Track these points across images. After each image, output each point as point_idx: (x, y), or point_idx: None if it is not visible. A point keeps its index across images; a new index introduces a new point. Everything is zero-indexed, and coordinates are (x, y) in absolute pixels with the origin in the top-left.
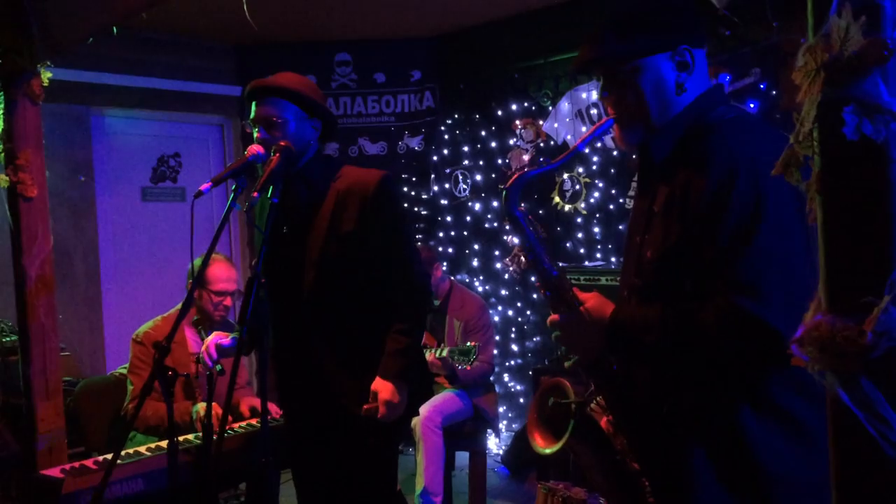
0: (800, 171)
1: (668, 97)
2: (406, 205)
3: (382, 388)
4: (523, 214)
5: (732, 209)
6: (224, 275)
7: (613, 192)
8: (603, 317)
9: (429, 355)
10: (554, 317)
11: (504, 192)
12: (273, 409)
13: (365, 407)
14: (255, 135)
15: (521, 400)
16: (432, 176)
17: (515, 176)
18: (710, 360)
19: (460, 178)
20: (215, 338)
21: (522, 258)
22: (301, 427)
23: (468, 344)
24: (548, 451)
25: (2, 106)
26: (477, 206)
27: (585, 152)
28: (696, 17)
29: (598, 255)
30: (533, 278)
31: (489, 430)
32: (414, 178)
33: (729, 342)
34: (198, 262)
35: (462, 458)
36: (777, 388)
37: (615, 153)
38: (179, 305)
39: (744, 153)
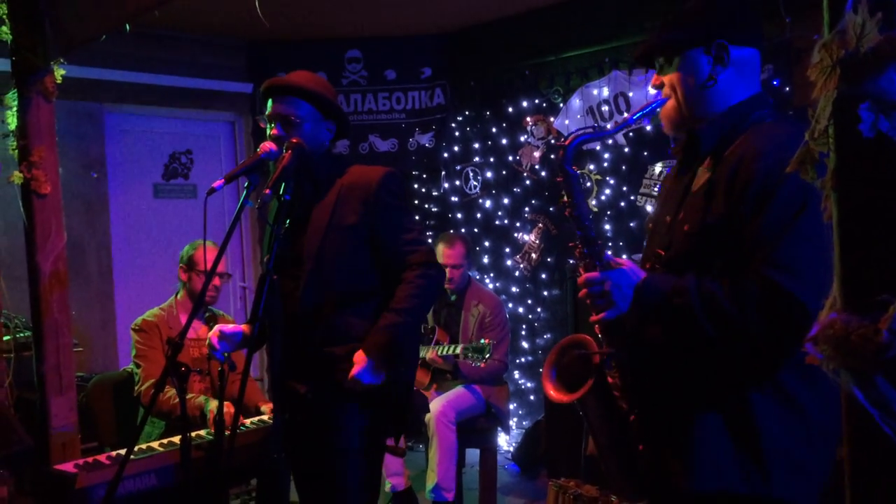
0: (815, 168)
1: (701, 89)
2: (415, 202)
3: (356, 355)
4: (575, 172)
5: (781, 196)
6: (210, 256)
7: (624, 189)
8: (637, 276)
9: (430, 353)
10: (590, 273)
11: (562, 150)
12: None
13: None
14: (270, 131)
15: (532, 397)
16: (443, 173)
17: (574, 137)
18: (734, 329)
19: (471, 174)
20: (218, 328)
21: (533, 255)
22: (293, 420)
23: (482, 341)
24: (564, 400)
25: (16, 103)
26: (488, 203)
27: (597, 149)
28: (740, 16)
29: (610, 253)
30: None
31: (499, 428)
32: (424, 175)
33: (760, 313)
34: (186, 249)
35: (472, 454)
36: (786, 366)
37: (626, 150)
38: (175, 295)
39: (794, 147)
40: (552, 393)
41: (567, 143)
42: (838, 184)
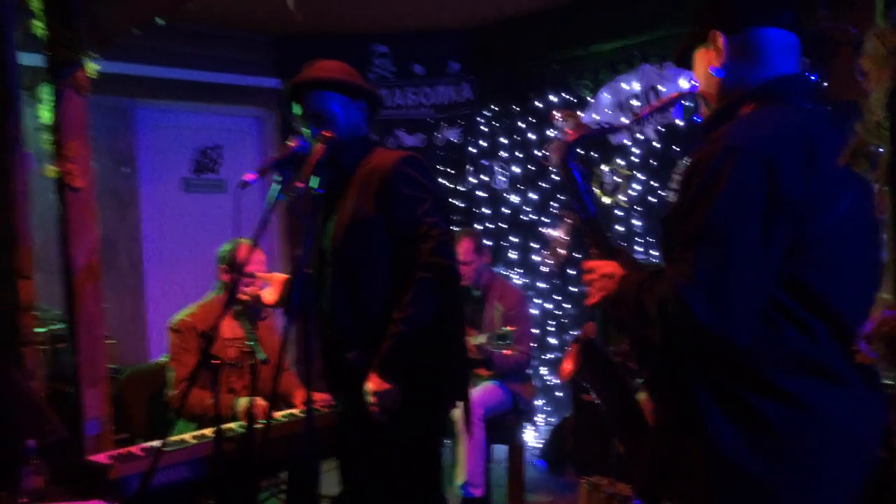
0: (868, 161)
1: (708, 87)
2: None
3: (368, 379)
4: (577, 167)
5: (697, 183)
6: (253, 258)
7: (654, 184)
8: (619, 269)
9: (468, 343)
10: (588, 261)
11: (565, 145)
12: (319, 398)
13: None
14: (305, 128)
15: (559, 394)
16: (469, 168)
17: (578, 131)
18: (646, 327)
19: (498, 169)
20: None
21: (561, 251)
22: (343, 413)
23: (505, 329)
24: (566, 375)
25: (50, 97)
26: (515, 198)
27: (626, 144)
28: (734, 1)
29: (639, 249)
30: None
31: (526, 423)
32: (451, 170)
33: (658, 314)
34: (226, 248)
35: (500, 451)
36: (726, 370)
37: (656, 144)
38: (212, 293)
39: (733, 138)
40: (563, 370)
41: (569, 140)
42: (893, 177)
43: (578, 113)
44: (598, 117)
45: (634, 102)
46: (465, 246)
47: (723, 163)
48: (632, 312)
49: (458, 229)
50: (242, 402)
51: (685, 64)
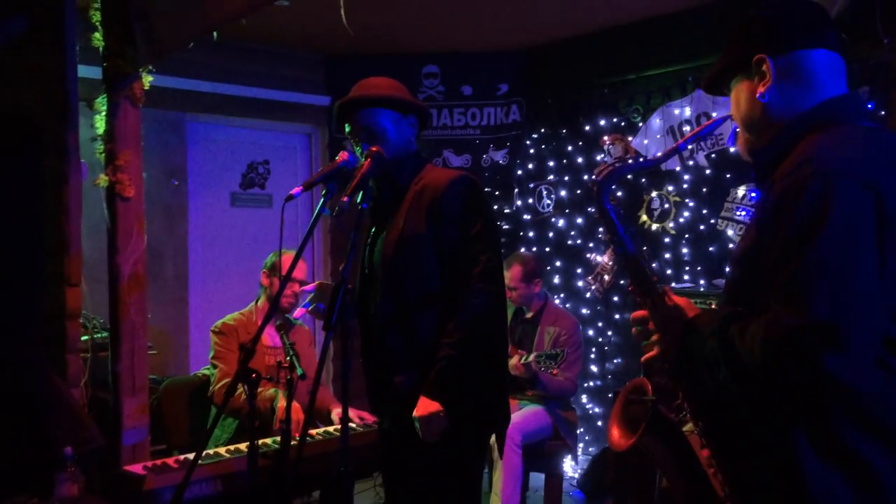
0: None
1: (750, 112)
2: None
3: (418, 404)
4: (614, 208)
5: (797, 211)
6: (301, 266)
7: (705, 211)
8: (683, 318)
9: (513, 360)
10: (641, 311)
11: (596, 185)
12: (355, 415)
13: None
14: (357, 146)
15: (600, 423)
16: (516, 190)
17: (609, 169)
18: (742, 375)
19: (544, 193)
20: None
21: (606, 277)
22: (387, 431)
23: (556, 350)
24: (623, 444)
25: (105, 107)
26: (561, 223)
27: (676, 170)
28: (778, 23)
29: (686, 277)
30: (622, 285)
31: (566, 452)
32: (497, 192)
33: (769, 362)
34: (271, 256)
35: (537, 479)
36: (842, 422)
37: (708, 171)
38: (253, 303)
39: (826, 161)
40: (616, 439)
41: (601, 177)
42: None
43: (629, 138)
44: (647, 142)
45: (686, 128)
46: (513, 272)
47: (821, 190)
48: (709, 362)
49: (514, 253)
50: (282, 401)
51: (717, 90)
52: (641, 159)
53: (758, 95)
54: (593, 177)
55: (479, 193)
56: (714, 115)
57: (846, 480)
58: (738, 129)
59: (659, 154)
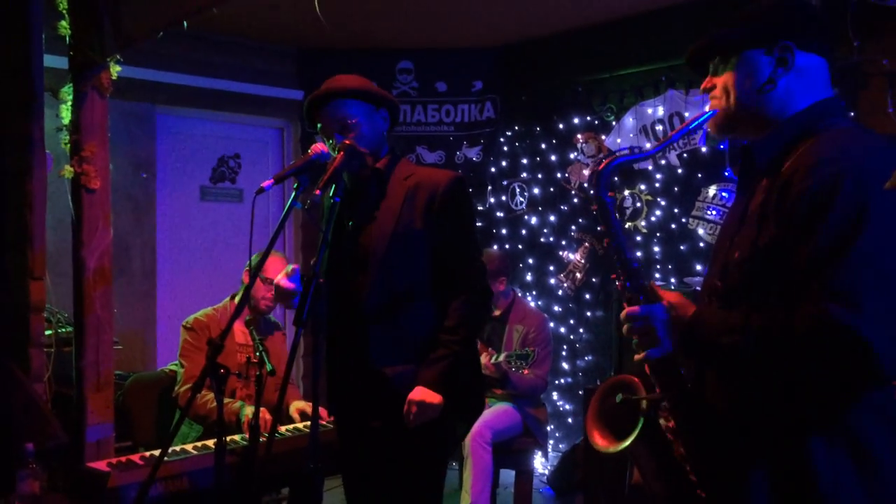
0: None
1: (758, 93)
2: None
3: (416, 390)
4: (612, 200)
5: (834, 213)
6: (278, 266)
7: (676, 210)
8: (683, 314)
9: (484, 359)
10: (632, 308)
11: (595, 175)
12: (323, 413)
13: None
14: (328, 140)
15: (570, 420)
16: (489, 187)
17: (608, 160)
18: (789, 370)
19: (517, 190)
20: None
21: (578, 275)
22: (352, 431)
23: (526, 349)
24: (611, 449)
25: (71, 97)
26: (533, 220)
27: (649, 169)
28: (810, 20)
29: (657, 276)
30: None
31: (537, 449)
32: (470, 189)
33: (815, 352)
34: (257, 255)
35: (507, 475)
36: (855, 412)
37: (679, 171)
38: (228, 298)
39: (852, 160)
40: (598, 441)
41: (601, 167)
42: None
43: (602, 137)
44: (620, 141)
45: (658, 128)
46: (495, 269)
47: (854, 190)
48: (727, 355)
49: None
50: (248, 411)
51: (702, 61)
52: (637, 151)
53: (767, 80)
54: (594, 168)
55: (469, 194)
56: (686, 114)
57: (853, 466)
58: (718, 108)
59: (653, 145)
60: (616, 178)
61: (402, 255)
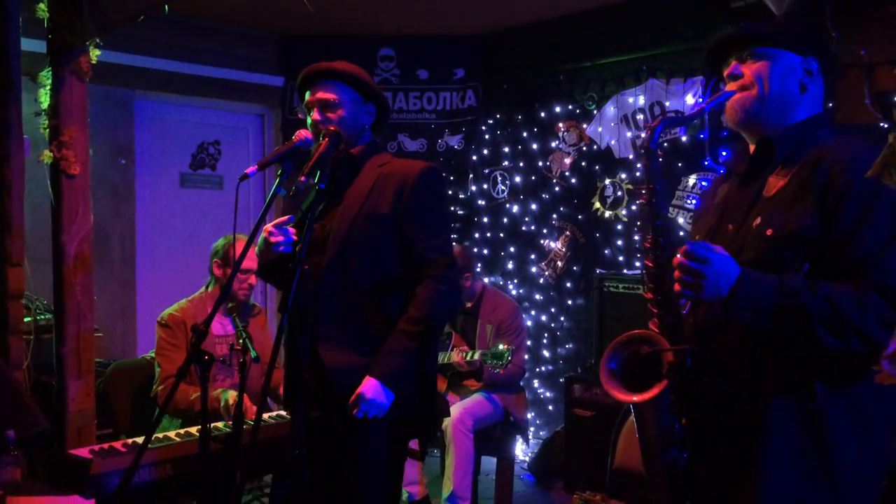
0: None
1: (790, 89)
2: (450, 206)
3: (365, 382)
4: (658, 158)
5: (882, 205)
6: (249, 253)
7: (639, 201)
8: (734, 265)
9: (457, 356)
10: (697, 248)
11: (650, 129)
12: None
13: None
14: (311, 117)
15: (551, 407)
16: (471, 175)
17: (660, 118)
18: (850, 332)
19: (499, 178)
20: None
21: (559, 263)
22: (296, 419)
23: (501, 347)
24: (634, 400)
25: (49, 81)
26: (515, 208)
27: (629, 158)
28: (830, 51)
29: (638, 264)
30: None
31: (517, 436)
32: (452, 178)
33: (878, 319)
34: (220, 242)
35: (488, 462)
36: (861, 383)
37: (660, 160)
38: (203, 288)
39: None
40: (616, 393)
41: (655, 123)
42: None
43: (583, 125)
44: (601, 130)
45: (639, 117)
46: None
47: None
48: (794, 318)
49: (461, 239)
50: (230, 395)
51: (732, 48)
52: (683, 113)
53: (797, 81)
54: (649, 125)
55: (444, 185)
56: (667, 103)
57: (854, 429)
58: (744, 94)
59: (634, 134)
60: (597, 167)
61: (363, 238)
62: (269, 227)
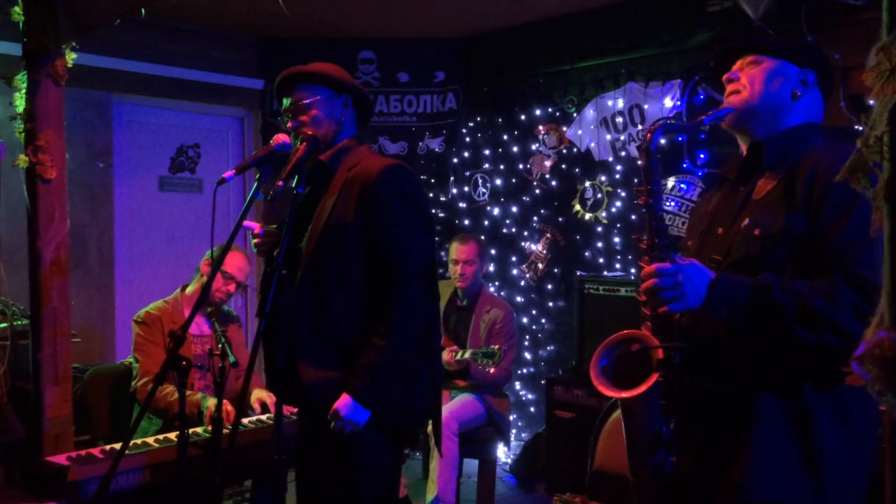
0: (868, 178)
1: (781, 96)
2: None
3: (340, 398)
4: (657, 159)
5: (859, 206)
6: (238, 263)
7: (636, 202)
8: (708, 273)
9: (447, 355)
10: (662, 264)
11: (650, 132)
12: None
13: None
14: (289, 125)
15: (532, 409)
16: (451, 178)
17: (660, 122)
18: (823, 324)
19: (480, 181)
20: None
21: (540, 265)
22: (282, 424)
23: (493, 347)
24: (623, 397)
25: (24, 85)
26: (496, 211)
27: (609, 161)
28: (830, 71)
29: (618, 266)
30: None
31: (500, 439)
32: (433, 180)
33: (850, 310)
34: (220, 247)
35: (470, 465)
36: (840, 372)
37: (639, 162)
38: (179, 290)
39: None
40: (605, 390)
41: (655, 127)
42: (891, 195)
43: (563, 128)
44: (581, 133)
45: (619, 119)
46: (471, 247)
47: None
48: (767, 315)
49: (461, 234)
50: (210, 402)
51: (737, 55)
52: (683, 121)
53: (790, 90)
54: (648, 128)
55: (414, 182)
56: (646, 107)
57: (838, 425)
58: (737, 99)
59: (613, 136)
60: (577, 170)
61: (331, 249)
62: (257, 228)
